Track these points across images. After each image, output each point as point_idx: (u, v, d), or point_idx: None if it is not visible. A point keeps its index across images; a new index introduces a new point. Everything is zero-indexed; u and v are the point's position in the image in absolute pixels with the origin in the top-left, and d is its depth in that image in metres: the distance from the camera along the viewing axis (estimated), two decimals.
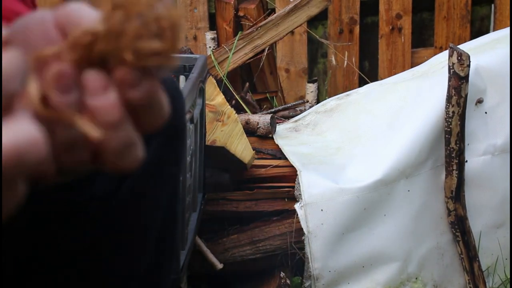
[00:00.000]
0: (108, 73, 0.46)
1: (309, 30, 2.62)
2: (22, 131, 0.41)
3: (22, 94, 0.44)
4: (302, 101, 2.26)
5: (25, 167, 0.41)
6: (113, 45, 0.46)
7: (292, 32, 2.41)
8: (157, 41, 0.46)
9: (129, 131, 0.47)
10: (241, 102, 2.09)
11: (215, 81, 1.81)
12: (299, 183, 1.69)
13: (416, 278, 1.74)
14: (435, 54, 2.13)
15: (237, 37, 2.10)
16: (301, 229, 1.68)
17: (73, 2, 0.50)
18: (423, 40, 2.79)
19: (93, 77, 0.45)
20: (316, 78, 2.67)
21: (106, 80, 0.46)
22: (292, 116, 2.13)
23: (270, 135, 1.89)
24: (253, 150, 1.80)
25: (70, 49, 0.46)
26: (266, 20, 2.11)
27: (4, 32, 0.45)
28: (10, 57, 0.43)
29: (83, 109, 0.46)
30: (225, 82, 2.06)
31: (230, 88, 2.07)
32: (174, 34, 0.46)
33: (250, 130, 1.88)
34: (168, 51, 0.46)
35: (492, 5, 2.71)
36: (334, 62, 2.69)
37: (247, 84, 2.15)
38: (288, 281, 1.72)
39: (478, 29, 2.76)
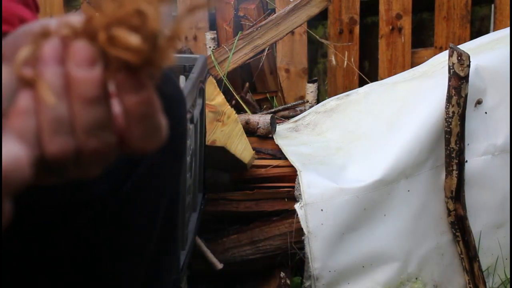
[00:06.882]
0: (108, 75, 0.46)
1: (309, 30, 2.62)
2: (7, 152, 0.42)
3: (8, 114, 0.44)
4: (302, 101, 2.26)
5: (10, 187, 0.42)
6: (93, 26, 0.44)
7: (292, 32, 2.40)
8: (136, 37, 0.44)
9: (102, 112, 0.46)
10: (241, 102, 2.09)
11: (215, 81, 1.81)
12: (299, 183, 1.69)
13: (416, 278, 1.74)
14: (435, 54, 2.13)
15: (237, 37, 2.09)
16: (301, 229, 1.68)
17: (71, 12, 0.50)
18: (423, 40, 2.79)
19: (81, 48, 0.45)
20: (316, 78, 2.66)
21: (94, 55, 0.45)
22: (292, 116, 2.13)
23: (270, 135, 1.89)
24: (253, 150, 1.80)
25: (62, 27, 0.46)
26: (266, 20, 2.11)
27: None
28: (1, 76, 0.43)
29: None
30: (225, 82, 2.06)
31: (230, 88, 2.07)
32: (156, 37, 0.44)
33: (250, 130, 1.88)
34: (146, 51, 0.44)
35: (492, 5, 2.71)
36: (334, 62, 2.69)
37: (247, 84, 2.15)
38: (288, 281, 1.72)
39: (478, 29, 2.76)
